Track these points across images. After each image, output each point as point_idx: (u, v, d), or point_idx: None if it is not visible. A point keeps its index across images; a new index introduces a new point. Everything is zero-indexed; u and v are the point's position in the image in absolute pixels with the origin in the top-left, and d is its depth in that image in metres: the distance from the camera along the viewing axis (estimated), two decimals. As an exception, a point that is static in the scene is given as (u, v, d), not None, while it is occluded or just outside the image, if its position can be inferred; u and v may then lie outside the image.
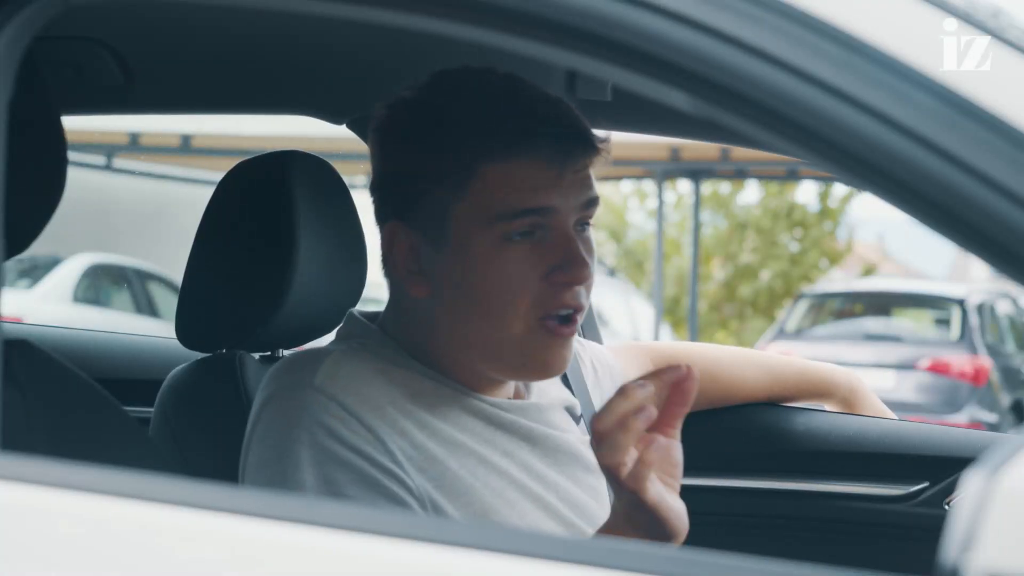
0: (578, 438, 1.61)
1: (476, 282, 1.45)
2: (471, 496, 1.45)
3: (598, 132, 1.50)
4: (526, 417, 1.54)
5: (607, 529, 1.38)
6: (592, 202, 1.49)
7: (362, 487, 1.40)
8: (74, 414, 1.51)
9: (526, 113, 1.46)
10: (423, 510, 1.42)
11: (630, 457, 1.30)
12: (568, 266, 1.45)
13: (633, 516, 1.34)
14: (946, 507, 2.19)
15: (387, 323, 1.55)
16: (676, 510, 1.34)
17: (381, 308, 1.61)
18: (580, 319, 1.49)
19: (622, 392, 1.31)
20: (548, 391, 1.65)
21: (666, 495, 1.33)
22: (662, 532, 1.34)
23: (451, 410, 1.48)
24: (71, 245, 10.88)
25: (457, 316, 1.48)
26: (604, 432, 1.30)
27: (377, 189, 1.53)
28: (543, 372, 1.50)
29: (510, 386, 1.56)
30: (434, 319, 1.50)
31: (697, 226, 13.87)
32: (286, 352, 2.03)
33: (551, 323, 1.46)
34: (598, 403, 1.77)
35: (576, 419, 1.67)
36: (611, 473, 1.32)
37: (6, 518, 1.05)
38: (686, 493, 1.40)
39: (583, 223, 1.49)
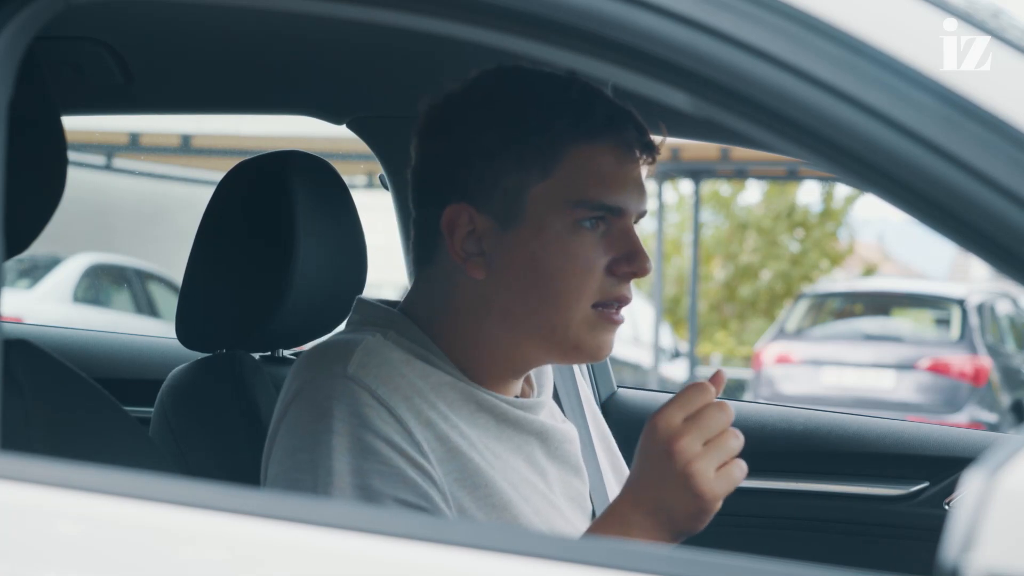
0: (571, 429, 1.63)
1: (547, 262, 1.49)
2: (491, 489, 1.46)
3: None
4: (534, 414, 1.55)
5: (614, 514, 1.41)
6: (643, 214, 1.55)
7: (388, 478, 1.40)
8: (74, 414, 1.51)
9: (611, 101, 1.51)
10: (445, 503, 1.43)
11: (708, 454, 1.37)
12: (633, 258, 1.51)
13: (667, 509, 1.38)
14: (946, 507, 2.19)
15: (413, 310, 1.54)
16: (714, 510, 1.39)
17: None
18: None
19: (696, 387, 1.39)
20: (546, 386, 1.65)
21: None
22: (685, 526, 1.39)
23: (467, 404, 1.49)
24: (71, 245, 10.87)
25: (515, 297, 1.50)
26: (673, 423, 1.37)
27: (435, 171, 1.52)
28: (595, 356, 1.54)
29: (517, 385, 1.57)
30: (482, 303, 1.51)
31: (697, 226, 13.87)
32: (286, 352, 2.03)
33: (607, 311, 1.51)
34: None
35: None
36: (673, 462, 1.36)
37: (6, 518, 1.05)
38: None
39: None
